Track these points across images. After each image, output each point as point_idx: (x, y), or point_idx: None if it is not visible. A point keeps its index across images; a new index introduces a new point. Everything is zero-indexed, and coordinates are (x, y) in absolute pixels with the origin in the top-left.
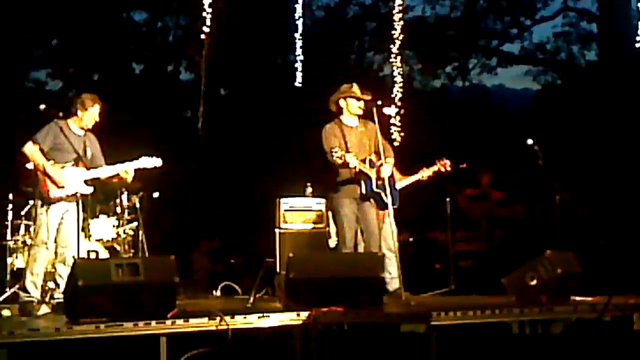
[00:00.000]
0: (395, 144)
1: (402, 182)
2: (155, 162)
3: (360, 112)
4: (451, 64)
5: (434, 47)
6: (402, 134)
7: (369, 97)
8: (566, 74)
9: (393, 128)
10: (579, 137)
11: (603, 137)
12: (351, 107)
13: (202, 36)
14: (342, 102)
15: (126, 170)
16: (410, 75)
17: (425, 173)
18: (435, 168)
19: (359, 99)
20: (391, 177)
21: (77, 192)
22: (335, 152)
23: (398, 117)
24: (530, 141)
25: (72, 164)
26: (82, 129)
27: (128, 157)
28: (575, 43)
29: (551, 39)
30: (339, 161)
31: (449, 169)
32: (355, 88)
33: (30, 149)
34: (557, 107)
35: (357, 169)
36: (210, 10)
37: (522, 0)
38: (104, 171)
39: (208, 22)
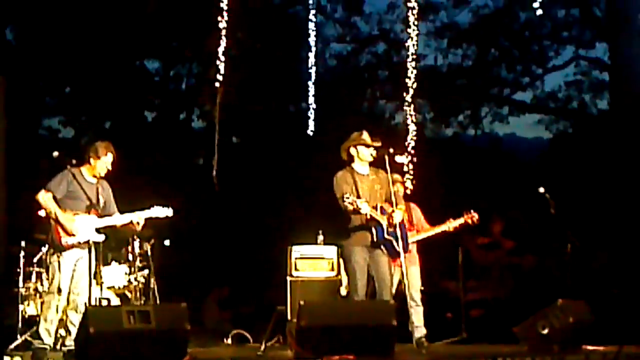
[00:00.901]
0: (407, 192)
1: (427, 233)
2: (166, 212)
3: (371, 159)
4: (463, 112)
5: (446, 96)
6: (414, 182)
7: (379, 144)
8: (578, 123)
9: (406, 176)
10: (591, 185)
11: (614, 186)
12: (362, 154)
13: (217, 84)
14: (352, 150)
15: (137, 219)
16: (422, 123)
17: (452, 224)
18: (462, 220)
19: (369, 146)
20: (402, 224)
21: (89, 240)
22: (347, 197)
23: (411, 166)
24: (541, 189)
25: (85, 211)
26: (95, 176)
27: (140, 204)
28: (587, 92)
29: (563, 87)
30: (351, 207)
31: (476, 222)
32: (365, 135)
33: (43, 197)
34: (569, 156)
35: (369, 216)
36: (223, 58)
37: (533, 50)
38: (116, 219)
39: (222, 70)
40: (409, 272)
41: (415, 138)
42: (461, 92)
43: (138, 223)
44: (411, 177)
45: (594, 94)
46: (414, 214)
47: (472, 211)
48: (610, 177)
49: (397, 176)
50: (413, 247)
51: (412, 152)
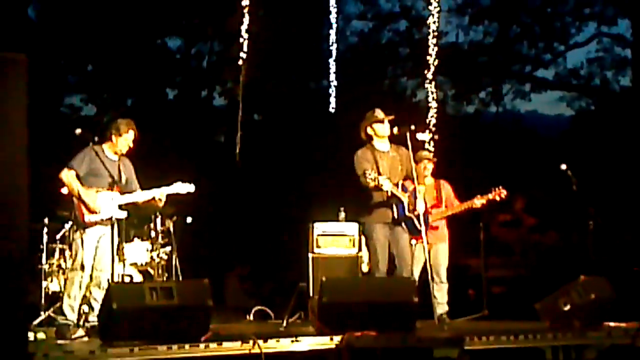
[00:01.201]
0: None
1: (455, 210)
2: (188, 187)
3: (388, 133)
4: (484, 89)
5: (468, 73)
6: (435, 159)
7: (391, 117)
8: (600, 100)
9: (425, 153)
10: (613, 162)
11: (637, 163)
12: (379, 131)
13: (240, 62)
14: (369, 130)
15: (160, 195)
16: (443, 101)
17: (479, 201)
18: (490, 196)
19: (382, 121)
20: (425, 206)
21: (111, 217)
22: (369, 174)
23: (432, 143)
24: (563, 166)
25: (107, 188)
26: (117, 154)
27: (161, 182)
28: (609, 69)
29: (585, 64)
30: (372, 184)
31: (504, 197)
32: (378, 112)
33: (66, 175)
34: (591, 133)
35: (390, 193)
36: (246, 36)
37: (555, 26)
38: (138, 196)
39: (245, 48)
40: (438, 249)
41: (436, 115)
42: (482, 69)
43: (160, 199)
44: (432, 154)
45: (616, 71)
46: (443, 191)
47: (500, 187)
48: (633, 154)
49: (425, 153)
50: (441, 224)
51: (433, 129)
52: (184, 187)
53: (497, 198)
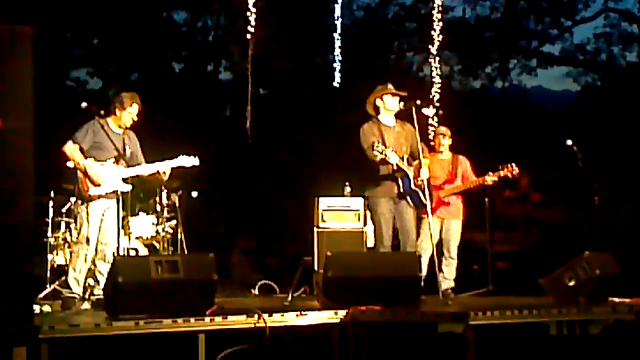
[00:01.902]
0: (431, 143)
1: (465, 185)
2: (193, 161)
3: (397, 109)
4: (491, 64)
5: (474, 48)
6: (449, 134)
7: (404, 93)
8: (606, 75)
9: (431, 129)
10: (619, 138)
11: None
12: (388, 104)
13: (248, 36)
14: (378, 102)
15: (164, 168)
16: (450, 75)
17: (490, 178)
18: (501, 173)
19: (394, 95)
20: (428, 178)
21: (116, 190)
22: (377, 146)
23: (436, 118)
24: (569, 142)
25: (113, 161)
26: (121, 127)
27: (166, 155)
28: (616, 44)
29: (592, 40)
30: (380, 156)
31: (516, 175)
32: (390, 86)
33: (70, 148)
34: (598, 108)
35: (395, 167)
36: (254, 9)
37: (562, 2)
38: (143, 169)
39: (252, 22)
40: (450, 225)
41: (440, 90)
42: (489, 45)
43: (165, 173)
44: (448, 129)
45: (623, 47)
46: (460, 167)
47: (512, 164)
48: (639, 129)
49: (442, 128)
50: (454, 200)
51: (438, 104)
52: (188, 161)
53: (509, 175)
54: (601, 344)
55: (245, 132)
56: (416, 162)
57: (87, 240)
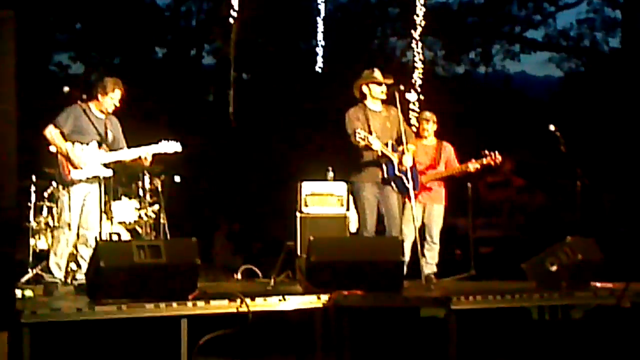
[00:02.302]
0: (413, 129)
1: (447, 172)
2: (174, 146)
3: (384, 97)
4: (474, 50)
5: (457, 33)
6: (435, 119)
7: (390, 81)
8: (589, 61)
9: (412, 114)
10: (602, 124)
11: (625, 124)
12: (374, 92)
13: (231, 20)
14: (364, 89)
15: (145, 154)
16: (433, 61)
17: (473, 165)
18: (484, 161)
19: (380, 84)
20: (413, 163)
21: (98, 175)
22: (359, 133)
23: (417, 104)
24: (552, 127)
25: (95, 145)
26: (103, 112)
27: (149, 141)
28: (599, 30)
29: (575, 25)
30: (362, 143)
31: (498, 163)
32: (377, 73)
33: (50, 132)
34: (580, 94)
35: (380, 152)
36: None
37: None
38: (124, 154)
39: (236, 7)
40: (432, 210)
41: (423, 76)
42: (472, 30)
43: (146, 158)
44: (418, 114)
45: (606, 32)
46: (443, 153)
47: (495, 152)
48: (621, 115)
49: (428, 113)
50: (435, 185)
51: (420, 89)
52: (170, 146)
53: (492, 163)
54: (583, 329)
55: (228, 116)
56: (401, 147)
57: (69, 225)
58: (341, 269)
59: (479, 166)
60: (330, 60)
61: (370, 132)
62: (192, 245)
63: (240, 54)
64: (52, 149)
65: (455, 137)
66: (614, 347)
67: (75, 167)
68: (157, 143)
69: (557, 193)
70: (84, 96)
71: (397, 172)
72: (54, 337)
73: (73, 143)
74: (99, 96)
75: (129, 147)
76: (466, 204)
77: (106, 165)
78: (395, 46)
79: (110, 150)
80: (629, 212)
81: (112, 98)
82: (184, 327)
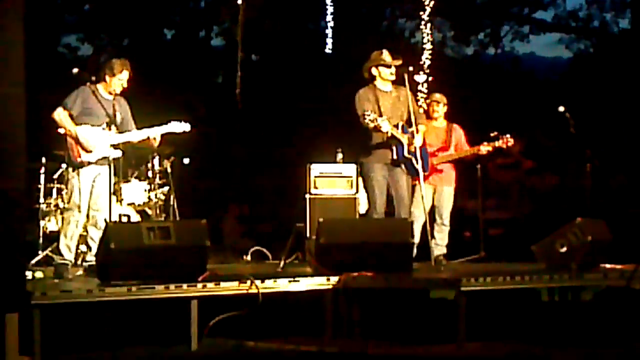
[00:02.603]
0: (421, 110)
1: (459, 154)
2: (183, 126)
3: (393, 78)
4: (483, 31)
5: (467, 14)
6: (446, 101)
7: (399, 62)
8: (599, 42)
9: (420, 95)
10: (611, 105)
11: (635, 105)
12: (383, 74)
13: (239, 1)
14: (374, 70)
15: (154, 134)
16: (443, 42)
17: (485, 147)
18: (496, 144)
19: (389, 66)
20: (422, 144)
21: (107, 156)
22: (368, 115)
23: (426, 85)
24: (561, 108)
25: (103, 127)
26: (111, 93)
27: (158, 122)
28: (609, 11)
29: (584, 6)
30: (372, 125)
31: (511, 146)
32: (386, 54)
33: (59, 114)
34: (590, 75)
35: (390, 134)
36: None
37: None
38: (133, 135)
39: None
40: (442, 191)
41: (432, 57)
42: (481, 11)
43: (155, 139)
44: (425, 95)
45: (616, 13)
46: (454, 135)
47: (507, 135)
48: (631, 96)
49: (438, 95)
50: (446, 167)
51: (429, 70)
52: (179, 127)
53: (504, 146)
54: (593, 310)
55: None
56: (411, 128)
57: (78, 207)
58: (351, 250)
59: (490, 149)
60: (339, 41)
61: (380, 113)
62: (202, 227)
63: (249, 36)
64: (61, 131)
65: (464, 118)
66: (624, 329)
67: (86, 150)
68: (166, 124)
69: (567, 174)
70: (93, 78)
71: (406, 154)
72: (65, 319)
73: (81, 125)
74: (107, 78)
75: (138, 128)
76: (475, 186)
77: (115, 147)
78: (404, 27)
79: (119, 131)
80: (639, 193)
81: (120, 79)
82: (194, 309)
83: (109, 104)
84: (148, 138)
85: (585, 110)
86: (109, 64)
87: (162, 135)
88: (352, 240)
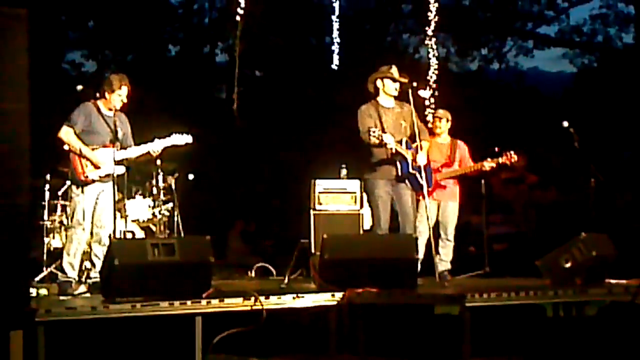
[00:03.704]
0: (429, 126)
1: (463, 170)
2: (186, 139)
3: (396, 94)
4: (487, 46)
5: (470, 30)
6: (449, 117)
7: (405, 80)
8: (603, 57)
9: (428, 110)
10: (615, 120)
11: (639, 121)
12: (387, 87)
13: (237, 17)
14: (379, 83)
15: (154, 148)
16: (446, 57)
17: (489, 164)
18: (500, 160)
19: (395, 80)
20: (427, 160)
21: (111, 173)
22: (373, 132)
23: (432, 100)
24: (565, 123)
25: (105, 144)
26: (111, 109)
27: (161, 137)
28: (613, 25)
29: (588, 21)
30: (376, 141)
31: (514, 162)
32: (394, 70)
33: (65, 132)
34: (594, 90)
35: (394, 150)
36: None
37: None
38: (134, 151)
39: (242, 4)
40: (446, 207)
41: (437, 72)
42: (485, 26)
43: (155, 151)
44: (432, 111)
45: (620, 28)
46: (458, 151)
47: (511, 152)
48: (635, 111)
49: (441, 111)
50: (450, 183)
51: (434, 86)
52: (181, 139)
53: (508, 163)
54: (597, 326)
55: (238, 114)
56: (415, 144)
57: (81, 224)
58: (355, 266)
59: (494, 165)
60: (343, 58)
61: (383, 129)
62: (206, 243)
63: (252, 51)
64: (66, 147)
65: (468, 134)
66: (628, 344)
67: (95, 166)
68: (167, 137)
69: (571, 189)
70: (97, 95)
71: (411, 170)
72: (69, 336)
73: (86, 143)
74: (106, 94)
75: (137, 144)
76: (480, 201)
77: (118, 163)
78: (408, 43)
79: (121, 147)
80: None
81: (119, 95)
82: (199, 325)
83: (110, 121)
84: (148, 152)
85: (589, 125)
86: (108, 80)
87: (164, 148)
88: (357, 256)
